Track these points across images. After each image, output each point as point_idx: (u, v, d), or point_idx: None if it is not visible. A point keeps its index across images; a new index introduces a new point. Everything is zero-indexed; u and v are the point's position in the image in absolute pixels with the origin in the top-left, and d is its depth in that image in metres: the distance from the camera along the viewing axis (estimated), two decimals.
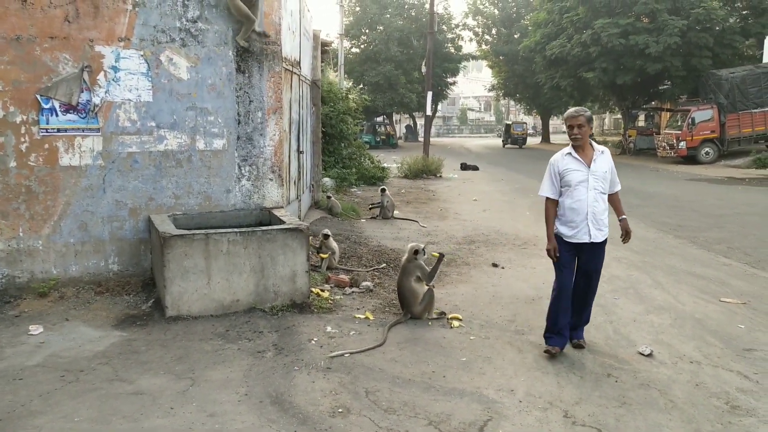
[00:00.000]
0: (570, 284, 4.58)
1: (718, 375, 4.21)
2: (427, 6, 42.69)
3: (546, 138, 49.49)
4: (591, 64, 27.58)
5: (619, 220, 4.69)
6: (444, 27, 44.79)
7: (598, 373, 4.23)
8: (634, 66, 26.36)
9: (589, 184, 4.42)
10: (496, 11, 47.34)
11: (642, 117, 37.25)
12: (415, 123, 55.02)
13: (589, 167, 4.43)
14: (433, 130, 45.44)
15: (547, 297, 6.03)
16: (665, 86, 29.70)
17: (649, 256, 8.07)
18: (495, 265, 7.45)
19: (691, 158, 24.70)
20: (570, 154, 4.50)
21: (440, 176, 19.36)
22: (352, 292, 6.08)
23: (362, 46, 44.79)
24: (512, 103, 63.92)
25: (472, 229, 10.04)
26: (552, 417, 3.59)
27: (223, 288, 5.24)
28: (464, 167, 22.56)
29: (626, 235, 4.69)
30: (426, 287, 5.29)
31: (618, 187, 4.67)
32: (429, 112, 22.19)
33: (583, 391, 3.94)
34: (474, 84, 72.34)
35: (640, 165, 25.47)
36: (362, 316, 5.34)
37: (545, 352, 4.52)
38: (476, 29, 47.99)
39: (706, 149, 24.77)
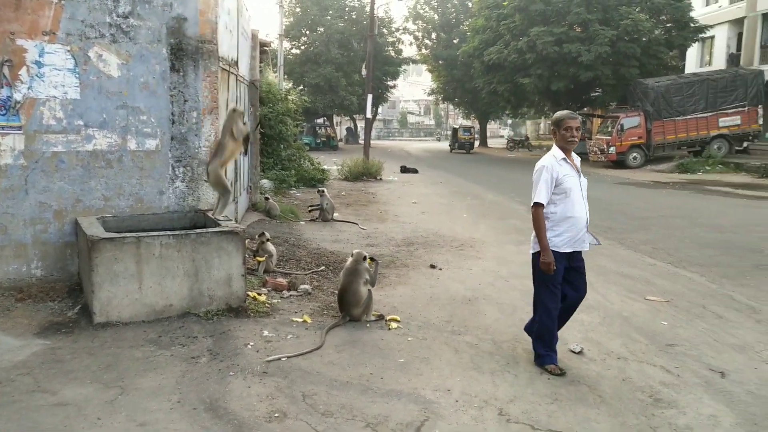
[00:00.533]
0: (559, 305, 4.38)
1: (642, 370, 4.40)
2: (368, 9, 43.09)
3: (484, 142, 50.53)
4: (527, 71, 28.37)
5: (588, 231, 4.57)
6: (384, 30, 45.08)
7: (531, 371, 4.34)
8: (567, 73, 27.28)
9: (582, 192, 4.31)
10: (436, 16, 48.04)
11: None
12: (355, 125, 55.12)
13: (579, 174, 4.32)
14: (373, 132, 45.67)
15: (484, 298, 6.20)
16: (596, 93, 30.90)
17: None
18: (433, 267, 7.53)
19: (620, 163, 25.77)
20: (564, 159, 4.27)
21: (380, 179, 19.44)
22: (290, 295, 6.02)
23: (302, 48, 44.54)
24: (451, 107, 64.95)
25: (411, 231, 10.13)
26: (487, 415, 3.65)
27: (156, 293, 5.08)
28: (404, 170, 22.74)
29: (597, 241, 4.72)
30: (368, 290, 5.30)
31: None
32: (369, 115, 22.27)
33: (517, 389, 4.03)
34: (414, 88, 73.10)
35: None
36: (300, 320, 5.28)
37: (556, 374, 4.20)
38: (416, 33, 48.56)
39: (634, 154, 25.89)
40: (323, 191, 11.24)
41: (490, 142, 53.98)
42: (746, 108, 25.41)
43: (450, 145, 44.37)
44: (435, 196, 15.65)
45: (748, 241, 9.55)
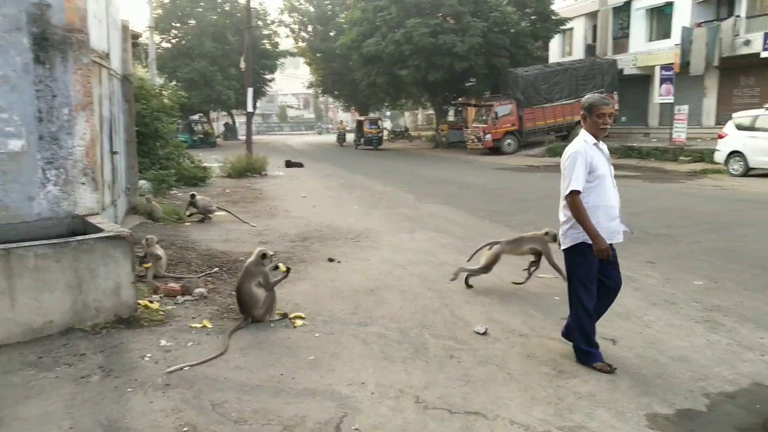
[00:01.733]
0: (595, 300, 4.12)
1: (544, 344, 4.60)
2: (242, 1, 41.82)
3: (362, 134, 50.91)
4: (405, 62, 28.88)
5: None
6: (260, 23, 44.05)
7: (441, 356, 4.40)
8: (443, 64, 28.09)
9: (612, 180, 4.06)
10: (312, 8, 47.58)
11: (452, 112, 39.87)
12: (234, 121, 53.50)
13: (608, 161, 4.06)
14: (253, 127, 44.50)
15: (386, 287, 6.21)
16: (471, 83, 32.11)
17: (471, 240, 8.59)
18: (331, 260, 7.45)
19: (496, 149, 27.03)
20: (596, 144, 3.99)
21: (265, 174, 19.00)
22: (185, 300, 5.69)
23: (174, 41, 42.47)
24: (331, 100, 64.85)
25: (304, 225, 9.97)
26: (404, 404, 3.64)
27: (32, 309, 4.59)
28: (289, 164, 22.40)
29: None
30: (266, 291, 5.12)
31: None
32: (250, 109, 21.67)
33: (430, 375, 4.07)
34: (292, 81, 72.09)
35: (454, 157, 27.30)
36: (199, 325, 5.01)
37: (607, 372, 3.99)
38: (292, 26, 47.86)
39: (508, 141, 27.27)
40: (194, 195, 10.66)
41: None
42: (603, 94, 27.48)
43: (355, 141, 38.07)
44: (324, 189, 15.54)
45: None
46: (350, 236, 9.03)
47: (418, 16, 28.03)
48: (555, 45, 35.29)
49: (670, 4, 27.00)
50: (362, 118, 38.87)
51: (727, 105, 24.94)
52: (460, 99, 35.78)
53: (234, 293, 5.36)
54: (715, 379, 3.91)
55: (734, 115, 17.03)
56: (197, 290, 5.91)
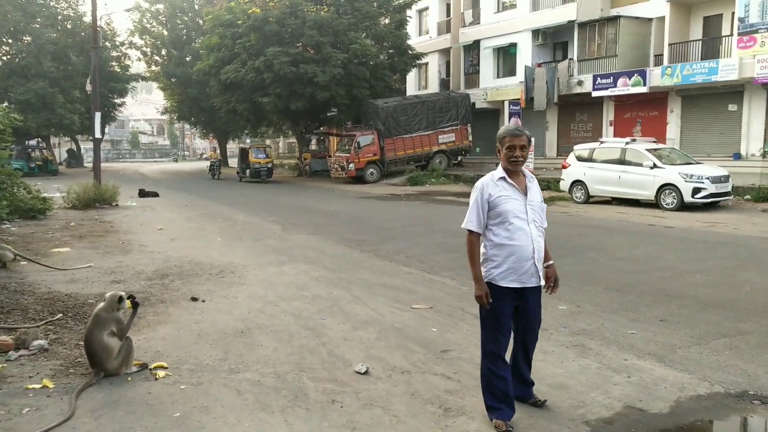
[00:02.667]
0: (506, 346, 3.75)
1: (426, 380, 4.48)
2: (86, 19, 39.06)
3: (225, 161, 49.46)
4: (266, 90, 28.42)
5: (546, 266, 3.83)
6: (108, 44, 41.36)
7: (322, 401, 4.11)
8: (305, 93, 28.02)
9: (528, 216, 3.64)
10: (165, 32, 45.61)
11: (314, 141, 39.88)
12: (79, 147, 49.51)
13: (526, 196, 3.68)
14: (101, 154, 41.46)
15: (257, 327, 5.81)
16: (333, 113, 32.34)
17: (343, 272, 8.44)
18: (195, 299, 6.88)
19: (359, 178, 27.33)
20: (504, 178, 3.68)
21: (116, 205, 17.56)
22: (20, 356, 4.89)
23: (5, 58, 38.55)
24: (187, 126, 62.31)
25: (162, 261, 9.20)
26: None
27: None
28: (143, 194, 20.95)
29: (555, 283, 3.87)
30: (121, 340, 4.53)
31: (546, 224, 3.82)
32: (98, 135, 20.00)
33: (313, 424, 3.77)
34: (145, 106, 68.44)
35: (318, 186, 27.19)
36: (38, 386, 4.29)
37: (502, 431, 3.62)
38: (144, 49, 45.52)
39: (371, 170, 27.70)
40: None
41: (231, 162, 53.10)
42: (458, 126, 29.02)
43: (238, 174, 32.45)
44: (183, 220, 14.62)
45: None
46: (214, 272, 8.46)
47: (279, 45, 27.80)
48: (412, 78, 36.74)
49: (514, 45, 29.20)
50: (247, 145, 35.64)
51: (566, 138, 27.33)
52: (322, 128, 35.89)
53: (82, 343, 4.69)
54: (592, 405, 4.00)
55: (575, 147, 18.61)
56: (36, 342, 5.12)
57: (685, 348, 5.08)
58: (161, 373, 4.58)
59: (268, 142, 64.27)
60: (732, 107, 21.86)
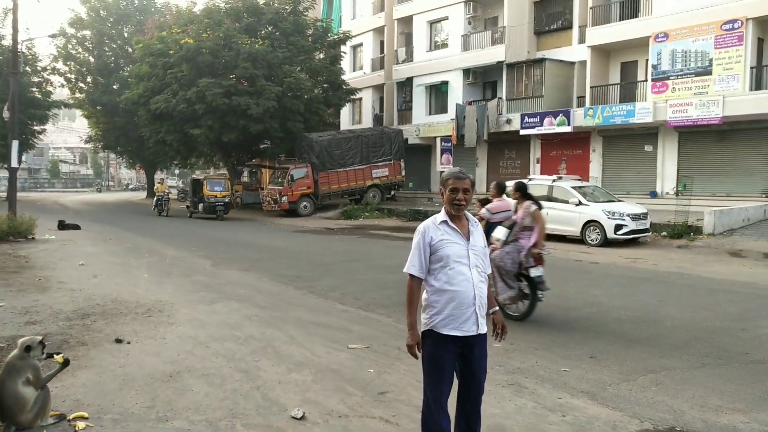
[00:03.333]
0: (448, 394, 3.51)
1: (366, 425, 4.39)
2: (5, 42, 37.34)
3: (151, 192, 47.94)
4: (197, 121, 27.90)
5: (491, 313, 3.71)
6: (28, 69, 39.62)
7: None
8: (238, 125, 27.69)
9: (471, 260, 3.50)
10: (92, 58, 44.21)
11: (246, 173, 39.36)
12: None
13: (468, 240, 3.55)
14: (17, 184, 39.25)
15: (187, 370, 5.56)
16: (266, 145, 32.08)
17: (277, 310, 8.25)
18: (119, 341, 6.53)
19: (292, 211, 27.09)
20: (446, 222, 3.55)
21: (33, 238, 16.58)
22: None
23: None
24: (113, 155, 60.22)
25: (83, 299, 8.72)
26: None
27: None
28: (63, 226, 19.91)
29: (503, 330, 3.73)
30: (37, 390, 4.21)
31: (489, 270, 3.70)
32: (15, 164, 18.96)
33: None
34: (67, 134, 65.70)
35: (250, 219, 26.74)
36: None
37: None
38: (68, 75, 43.88)
39: (305, 203, 27.53)
40: None
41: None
42: (392, 161, 29.38)
43: (189, 209, 29.47)
44: (107, 255, 13.96)
45: None
46: (140, 311, 8.08)
47: (211, 76, 27.46)
48: (346, 113, 37.05)
49: (445, 83, 30.03)
50: (201, 176, 32.66)
51: (495, 174, 28.09)
52: (254, 160, 35.50)
53: None
54: None
55: (507, 183, 19.12)
56: None
57: (615, 385, 5.23)
58: (81, 424, 4.28)
59: (197, 173, 62.99)
60: (648, 148, 23.20)
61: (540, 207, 7.71)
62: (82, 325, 7.20)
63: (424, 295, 3.62)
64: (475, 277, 3.49)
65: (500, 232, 7.84)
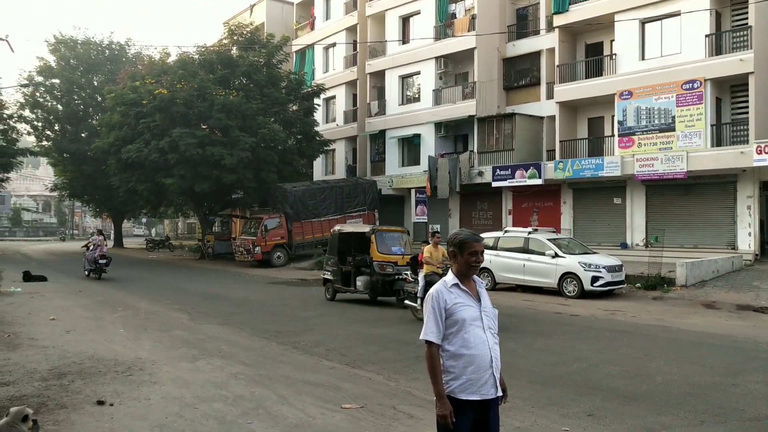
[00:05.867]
0: None
1: None
2: None
3: (119, 242, 46.98)
4: (169, 170, 27.68)
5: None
6: None
7: None
8: (211, 175, 27.55)
9: (484, 323, 3.48)
10: (60, 106, 43.73)
11: (218, 223, 38.95)
12: None
13: (480, 302, 3.53)
14: None
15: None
16: (239, 195, 31.90)
17: (262, 368, 8.04)
18: (101, 403, 6.25)
19: (266, 262, 26.78)
20: (457, 285, 3.51)
21: None
22: None
23: None
24: (78, 203, 59.04)
25: (58, 357, 8.36)
26: None
27: None
28: (28, 278, 19.26)
29: (504, 393, 3.59)
30: None
31: (496, 329, 3.64)
32: None
33: None
34: (30, 181, 64.33)
35: (223, 269, 26.30)
36: None
37: None
38: (35, 123, 43.23)
39: (278, 253, 27.29)
40: None
41: (126, 242, 50.53)
42: (366, 212, 29.48)
43: (329, 282, 16.23)
44: (78, 308, 13.49)
45: (397, 333, 10.63)
46: (120, 369, 7.78)
47: (185, 126, 27.44)
48: (319, 164, 37.24)
49: (418, 136, 30.53)
50: (361, 228, 24.79)
51: (468, 225, 28.33)
52: (227, 210, 35.22)
53: None
54: None
55: (481, 235, 19.31)
56: None
57: None
58: None
59: (166, 222, 62.06)
60: (617, 200, 23.79)
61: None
62: (60, 386, 6.89)
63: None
64: (490, 339, 3.47)
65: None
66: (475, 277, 3.63)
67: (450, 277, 3.54)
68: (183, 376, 7.46)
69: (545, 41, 26.34)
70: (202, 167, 27.44)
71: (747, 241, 20.30)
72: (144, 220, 67.29)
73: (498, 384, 3.46)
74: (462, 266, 3.53)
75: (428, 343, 3.43)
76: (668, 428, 5.60)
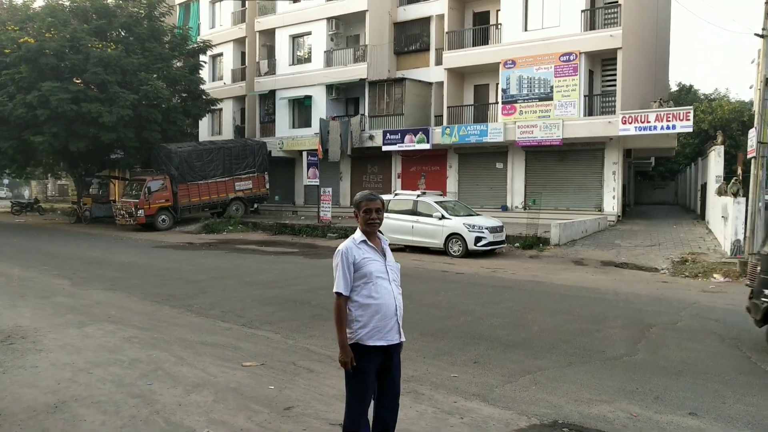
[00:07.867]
0: (369, 404, 3.81)
1: None
2: None
3: None
4: (39, 128, 25.52)
5: None
6: None
7: None
8: (87, 133, 25.74)
9: (389, 275, 3.84)
10: None
11: (95, 185, 36.59)
12: None
13: (384, 257, 3.87)
14: None
15: (74, 400, 5.24)
16: (119, 155, 30.11)
17: (157, 331, 7.93)
18: None
19: (149, 225, 25.70)
20: (365, 241, 3.81)
21: None
22: None
23: None
24: None
25: None
26: None
27: None
28: None
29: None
30: None
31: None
32: None
33: None
34: None
35: (101, 234, 24.94)
36: None
37: None
38: None
39: (163, 216, 26.26)
40: None
41: None
42: (255, 174, 28.98)
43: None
44: None
45: (293, 294, 10.76)
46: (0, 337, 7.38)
47: (56, 80, 25.32)
48: (205, 124, 35.89)
49: (309, 98, 30.27)
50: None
51: (359, 188, 28.73)
52: (105, 171, 33.15)
53: None
54: None
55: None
56: None
57: (501, 386, 5.75)
58: None
59: (33, 183, 57.34)
60: (499, 165, 25.15)
61: None
62: None
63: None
64: (395, 289, 3.86)
65: None
66: (381, 234, 3.98)
67: (358, 234, 3.86)
68: (72, 343, 7.22)
69: (435, 7, 26.83)
70: (77, 125, 25.54)
71: (611, 203, 22.35)
72: (6, 181, 61.79)
73: (401, 330, 3.86)
74: (361, 224, 3.87)
75: (337, 294, 3.74)
76: (543, 369, 6.27)
